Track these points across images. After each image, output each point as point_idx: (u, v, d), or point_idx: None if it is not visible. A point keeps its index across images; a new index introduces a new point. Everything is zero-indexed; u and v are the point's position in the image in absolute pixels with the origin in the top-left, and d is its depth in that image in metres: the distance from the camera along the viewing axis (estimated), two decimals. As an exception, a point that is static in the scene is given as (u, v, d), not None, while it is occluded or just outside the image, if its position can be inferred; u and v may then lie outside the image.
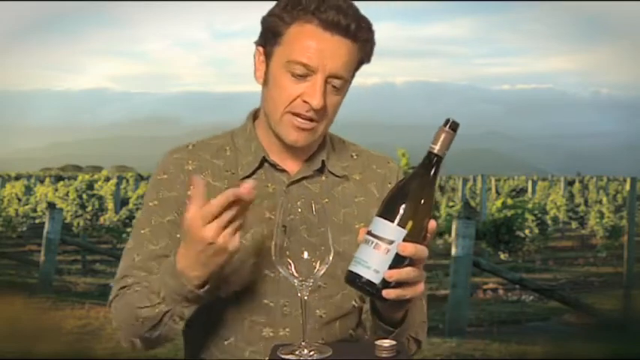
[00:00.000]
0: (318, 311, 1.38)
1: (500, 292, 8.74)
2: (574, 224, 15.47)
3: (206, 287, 1.21)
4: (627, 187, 8.90)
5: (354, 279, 1.13)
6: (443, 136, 1.15)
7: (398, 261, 1.12)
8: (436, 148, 1.15)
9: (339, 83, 1.31)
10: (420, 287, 1.16)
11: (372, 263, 1.12)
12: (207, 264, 1.16)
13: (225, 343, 1.37)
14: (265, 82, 1.35)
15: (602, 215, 13.17)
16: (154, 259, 1.35)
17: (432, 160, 1.15)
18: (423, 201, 1.14)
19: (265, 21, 1.34)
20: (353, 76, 1.37)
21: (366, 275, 1.12)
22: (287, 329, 1.37)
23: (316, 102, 1.28)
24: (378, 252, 1.12)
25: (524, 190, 23.42)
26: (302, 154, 1.41)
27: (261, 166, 1.39)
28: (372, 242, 1.12)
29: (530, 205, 12.22)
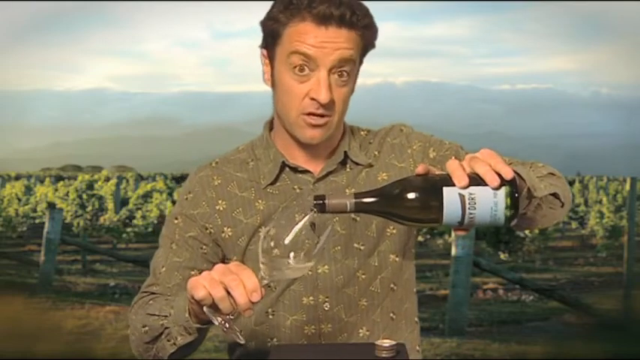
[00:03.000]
0: (359, 302, 1.40)
1: (500, 292, 8.74)
2: (574, 224, 15.46)
3: (199, 325, 1.19)
4: (627, 187, 8.89)
5: (513, 218, 1.03)
6: (332, 207, 1.07)
7: (475, 181, 1.02)
8: (349, 206, 1.07)
9: (345, 74, 1.30)
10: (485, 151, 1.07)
11: (483, 215, 1.02)
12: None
13: (269, 344, 1.39)
14: (273, 85, 1.36)
15: (602, 215, 13.16)
16: (176, 269, 1.39)
17: (363, 202, 1.07)
18: (392, 188, 1.06)
19: (264, 25, 1.34)
20: (360, 64, 1.37)
21: (498, 218, 1.02)
22: (329, 325, 1.38)
23: (323, 96, 1.27)
24: (474, 210, 1.01)
25: (524, 190, 23.36)
26: (323, 151, 1.41)
27: (282, 170, 1.39)
28: (465, 216, 1.02)
29: (530, 205, 12.22)
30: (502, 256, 10.99)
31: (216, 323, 1.11)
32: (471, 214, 1.02)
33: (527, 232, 11.11)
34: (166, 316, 1.24)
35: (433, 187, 1.03)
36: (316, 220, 1.09)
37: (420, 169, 1.06)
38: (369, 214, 1.09)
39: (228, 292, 1.07)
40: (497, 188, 1.01)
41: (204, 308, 1.10)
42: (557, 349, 6.22)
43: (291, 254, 1.07)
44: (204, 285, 1.08)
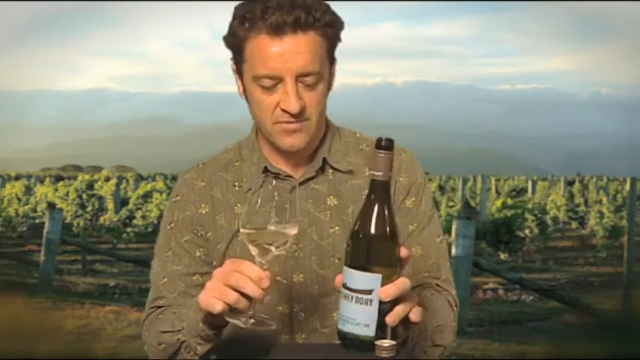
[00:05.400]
0: (335, 315, 1.37)
1: (500, 292, 8.73)
2: (574, 224, 15.45)
3: (215, 332, 1.21)
4: (627, 187, 8.90)
5: (347, 339, 1.09)
6: (382, 159, 1.08)
7: (385, 304, 1.07)
8: (379, 175, 1.08)
9: (311, 79, 1.28)
10: (416, 310, 1.13)
11: (360, 319, 1.07)
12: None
13: (242, 351, 1.38)
14: (246, 98, 1.35)
15: (602, 215, 13.16)
16: (178, 278, 1.38)
17: (380, 187, 1.08)
18: (388, 232, 1.08)
19: (226, 41, 1.33)
20: (331, 64, 1.35)
21: (359, 332, 1.07)
22: (303, 335, 1.37)
23: (293, 107, 1.26)
24: (362, 306, 1.06)
25: (524, 190, 23.45)
26: (303, 155, 1.39)
27: (266, 175, 1.37)
28: (352, 297, 1.06)
29: (530, 205, 12.23)
30: (502, 256, 10.98)
31: (243, 325, 1.11)
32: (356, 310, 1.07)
33: (527, 232, 11.11)
34: (180, 330, 1.24)
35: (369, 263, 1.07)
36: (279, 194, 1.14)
37: (404, 252, 1.11)
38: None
39: (238, 291, 1.09)
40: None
41: (225, 317, 1.12)
42: (557, 349, 6.22)
43: (270, 226, 1.11)
44: (215, 297, 1.09)
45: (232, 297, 1.09)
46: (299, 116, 1.29)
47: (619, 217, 12.74)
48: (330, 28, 1.30)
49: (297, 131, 1.31)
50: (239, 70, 1.34)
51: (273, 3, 1.24)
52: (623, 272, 8.14)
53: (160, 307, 1.37)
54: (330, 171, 1.40)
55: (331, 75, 1.36)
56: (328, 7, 1.30)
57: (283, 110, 1.28)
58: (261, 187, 1.22)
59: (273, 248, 1.13)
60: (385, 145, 1.08)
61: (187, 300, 1.33)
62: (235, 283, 1.08)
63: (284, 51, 1.25)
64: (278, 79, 1.27)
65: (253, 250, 1.14)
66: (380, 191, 1.09)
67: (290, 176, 1.38)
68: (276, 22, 1.24)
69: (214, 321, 1.17)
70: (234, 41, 1.30)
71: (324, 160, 1.40)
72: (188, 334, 1.23)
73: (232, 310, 1.11)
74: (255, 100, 1.31)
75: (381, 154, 1.08)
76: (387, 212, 1.08)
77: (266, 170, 1.39)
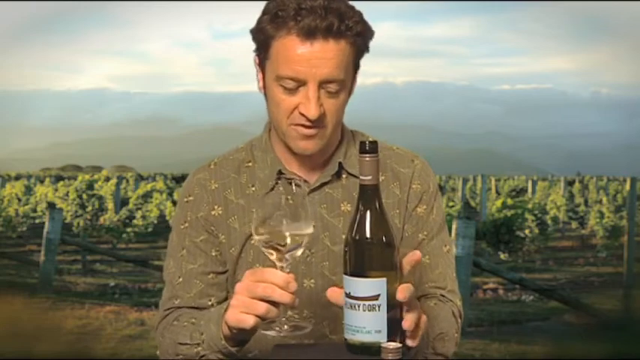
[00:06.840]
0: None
1: (500, 292, 8.73)
2: (574, 224, 15.44)
3: (237, 348, 1.20)
4: (627, 187, 8.91)
5: (359, 348, 1.07)
6: (368, 163, 1.08)
7: (391, 305, 1.06)
8: (368, 179, 1.08)
9: (335, 86, 1.27)
10: (423, 316, 1.13)
11: (371, 326, 1.06)
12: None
13: (249, 355, 1.37)
14: (265, 94, 1.34)
15: (602, 215, 13.15)
16: (195, 277, 1.36)
17: (371, 191, 1.08)
18: (386, 235, 1.07)
19: (254, 35, 1.32)
20: (355, 71, 1.34)
21: (371, 339, 1.06)
22: (312, 341, 1.36)
23: (312, 113, 1.25)
24: (371, 313, 1.05)
25: (524, 190, 23.43)
26: (319, 159, 1.39)
27: (279, 178, 1.36)
28: (358, 305, 1.05)
29: (530, 205, 12.22)
30: (502, 256, 10.98)
31: (279, 334, 1.11)
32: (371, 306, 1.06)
33: (527, 232, 11.10)
34: (199, 343, 1.23)
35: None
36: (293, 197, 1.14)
37: (403, 254, 1.11)
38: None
39: (266, 300, 1.08)
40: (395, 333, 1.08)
41: (260, 329, 1.11)
42: (557, 349, 6.21)
43: (284, 228, 1.11)
44: (244, 312, 1.09)
45: (262, 308, 1.07)
46: (316, 122, 1.28)
47: (619, 217, 12.73)
48: (361, 38, 1.29)
49: (313, 136, 1.30)
50: (261, 65, 1.33)
51: (307, 5, 1.22)
52: (623, 272, 8.14)
53: (175, 307, 1.36)
54: (344, 176, 1.39)
55: (353, 82, 1.35)
56: (361, 15, 1.28)
57: (301, 114, 1.27)
58: (272, 191, 1.21)
59: (289, 250, 1.12)
60: (370, 148, 1.08)
61: (204, 300, 1.33)
62: (262, 293, 1.07)
63: (312, 56, 1.24)
64: (301, 82, 1.25)
65: (271, 255, 1.12)
66: (371, 195, 1.09)
67: (304, 180, 1.37)
68: (308, 26, 1.22)
69: (241, 336, 1.16)
70: (262, 37, 1.29)
71: (340, 165, 1.39)
72: (209, 348, 1.21)
73: (264, 321, 1.10)
74: (275, 99, 1.29)
75: (367, 158, 1.08)
76: (382, 215, 1.09)
77: (280, 173, 1.37)
